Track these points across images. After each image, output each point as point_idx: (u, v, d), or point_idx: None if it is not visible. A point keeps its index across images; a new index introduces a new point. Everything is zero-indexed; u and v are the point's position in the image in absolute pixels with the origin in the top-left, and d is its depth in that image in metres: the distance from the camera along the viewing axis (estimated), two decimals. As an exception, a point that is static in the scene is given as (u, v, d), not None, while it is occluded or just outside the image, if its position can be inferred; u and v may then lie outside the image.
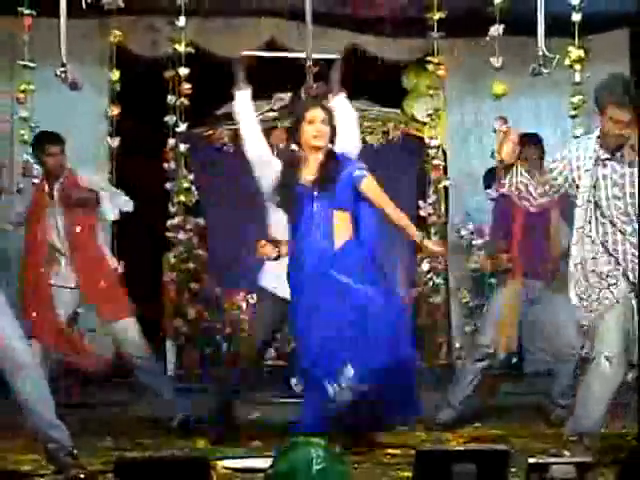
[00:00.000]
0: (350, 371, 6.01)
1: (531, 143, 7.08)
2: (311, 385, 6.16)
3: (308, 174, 6.16)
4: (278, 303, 6.52)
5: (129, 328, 7.00)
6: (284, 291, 6.32)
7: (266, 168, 6.42)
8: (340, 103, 6.61)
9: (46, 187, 7.11)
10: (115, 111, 8.59)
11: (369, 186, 6.18)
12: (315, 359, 6.07)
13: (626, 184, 5.95)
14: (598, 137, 5.95)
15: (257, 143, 6.55)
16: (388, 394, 6.14)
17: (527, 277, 7.19)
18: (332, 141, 6.22)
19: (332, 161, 6.17)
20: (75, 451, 5.54)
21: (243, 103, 6.63)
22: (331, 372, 6.00)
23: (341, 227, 6.17)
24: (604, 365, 5.86)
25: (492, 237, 7.54)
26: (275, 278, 6.47)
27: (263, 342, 6.81)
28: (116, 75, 8.57)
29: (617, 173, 5.94)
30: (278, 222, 6.38)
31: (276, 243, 6.39)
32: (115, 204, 7.06)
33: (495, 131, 8.13)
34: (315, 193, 6.13)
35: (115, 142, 8.61)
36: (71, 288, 7.04)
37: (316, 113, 6.17)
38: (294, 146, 6.30)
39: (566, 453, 5.64)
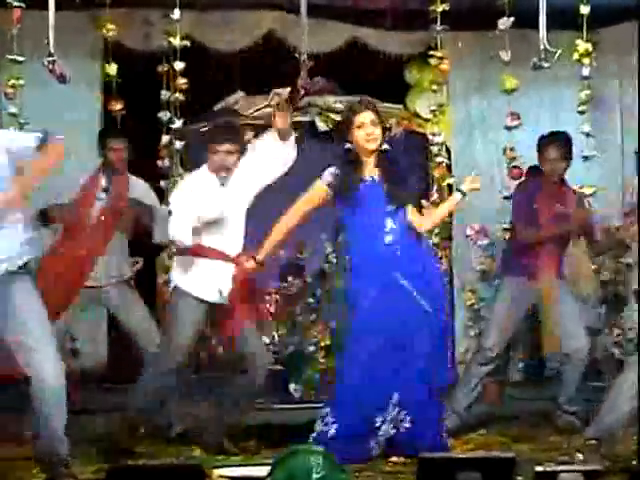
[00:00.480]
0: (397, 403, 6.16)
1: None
2: (353, 416, 6.13)
3: (370, 173, 6.26)
4: (196, 304, 6.53)
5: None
6: (202, 292, 6.46)
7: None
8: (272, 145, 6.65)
9: (103, 181, 7.11)
10: (117, 106, 8.47)
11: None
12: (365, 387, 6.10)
13: None
14: None
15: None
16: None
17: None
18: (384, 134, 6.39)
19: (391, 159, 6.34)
20: (69, 460, 5.56)
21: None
22: (381, 405, 6.13)
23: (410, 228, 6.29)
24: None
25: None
26: (192, 278, 6.53)
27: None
28: (113, 69, 8.45)
29: None
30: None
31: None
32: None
33: (507, 127, 8.12)
34: (386, 190, 6.23)
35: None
36: None
37: (365, 117, 6.25)
38: (348, 145, 6.31)
39: (579, 457, 5.65)
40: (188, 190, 6.60)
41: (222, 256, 6.49)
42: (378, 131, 6.28)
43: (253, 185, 6.58)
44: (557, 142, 7.19)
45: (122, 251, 7.36)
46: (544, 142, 7.24)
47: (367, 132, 6.23)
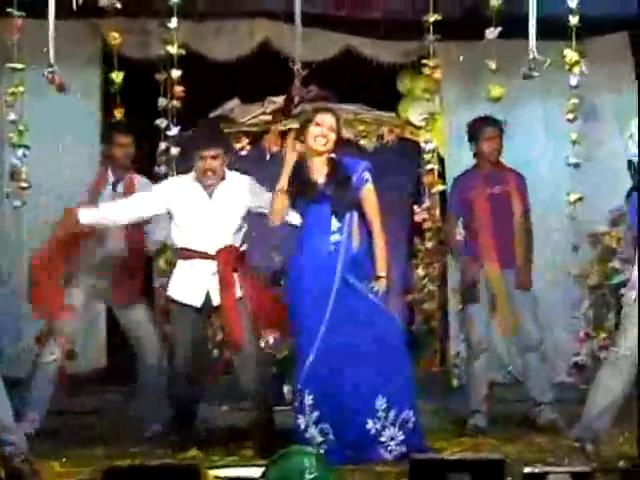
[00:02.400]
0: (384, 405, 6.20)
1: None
2: (341, 422, 6.18)
3: (318, 176, 6.32)
4: (190, 310, 6.60)
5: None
6: (190, 298, 6.56)
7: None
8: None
9: (111, 177, 7.15)
10: (118, 114, 8.47)
11: (368, 194, 6.37)
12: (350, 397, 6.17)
13: None
14: None
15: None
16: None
17: (502, 267, 7.19)
18: (334, 151, 6.33)
19: (340, 165, 6.34)
20: (29, 457, 5.58)
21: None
22: (369, 409, 6.16)
23: (356, 230, 6.35)
24: (622, 363, 5.97)
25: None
26: (182, 285, 6.63)
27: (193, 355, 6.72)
28: (119, 77, 8.43)
29: None
30: None
31: None
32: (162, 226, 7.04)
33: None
34: (328, 194, 6.27)
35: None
36: None
37: (325, 117, 6.31)
38: (299, 146, 6.34)
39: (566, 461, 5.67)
40: (174, 193, 6.67)
41: (206, 256, 6.53)
42: (333, 136, 6.30)
43: (240, 205, 6.64)
44: (490, 123, 7.30)
45: None
46: (478, 125, 7.34)
47: (322, 132, 6.27)
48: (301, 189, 6.31)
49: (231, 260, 6.57)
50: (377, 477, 5.80)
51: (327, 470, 4.47)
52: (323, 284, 6.24)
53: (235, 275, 6.58)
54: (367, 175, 6.39)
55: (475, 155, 7.38)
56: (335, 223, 6.29)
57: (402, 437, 6.17)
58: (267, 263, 8.77)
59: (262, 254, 8.59)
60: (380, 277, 6.38)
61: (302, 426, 6.17)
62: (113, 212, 6.70)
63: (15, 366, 7.89)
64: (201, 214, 6.58)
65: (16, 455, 5.51)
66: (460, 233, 7.86)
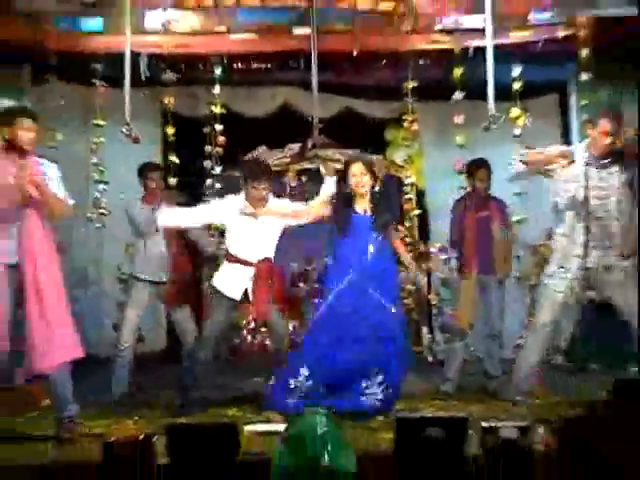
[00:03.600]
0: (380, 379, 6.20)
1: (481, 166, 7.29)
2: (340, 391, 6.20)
3: (361, 208, 6.30)
4: (226, 300, 6.54)
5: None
6: (231, 292, 6.48)
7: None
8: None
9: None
10: (173, 157, 8.60)
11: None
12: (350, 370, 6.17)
13: (610, 186, 6.14)
14: (587, 148, 6.09)
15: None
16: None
17: (480, 273, 7.19)
18: (375, 181, 6.36)
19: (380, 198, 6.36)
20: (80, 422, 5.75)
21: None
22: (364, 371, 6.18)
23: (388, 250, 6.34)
24: (540, 330, 6.22)
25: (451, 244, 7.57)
26: (229, 282, 6.54)
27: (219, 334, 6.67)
28: (171, 130, 8.59)
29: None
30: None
31: None
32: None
33: (460, 172, 8.20)
34: (372, 221, 6.26)
35: (172, 181, 8.60)
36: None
37: (356, 168, 6.29)
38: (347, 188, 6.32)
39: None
40: (230, 209, 6.60)
41: (248, 263, 6.50)
42: (366, 178, 6.27)
43: (280, 225, 6.62)
44: (483, 166, 7.30)
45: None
46: (474, 166, 7.33)
47: (357, 180, 6.27)
48: (345, 219, 6.30)
49: (267, 268, 6.56)
50: (371, 431, 5.78)
51: (334, 426, 4.38)
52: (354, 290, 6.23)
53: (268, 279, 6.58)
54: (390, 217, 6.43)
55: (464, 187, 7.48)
56: (371, 247, 6.24)
57: (380, 397, 6.20)
58: (288, 269, 8.83)
59: (286, 263, 8.64)
60: (410, 265, 6.53)
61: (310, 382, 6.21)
62: (185, 217, 6.63)
63: (97, 348, 7.94)
64: (248, 230, 6.53)
65: (72, 421, 5.67)
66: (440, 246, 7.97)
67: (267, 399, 6.33)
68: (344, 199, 6.34)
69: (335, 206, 6.38)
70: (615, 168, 6.26)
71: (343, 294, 6.20)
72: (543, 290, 6.48)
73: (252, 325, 8.13)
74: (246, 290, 6.52)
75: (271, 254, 6.58)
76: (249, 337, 7.93)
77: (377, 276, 6.22)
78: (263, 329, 8.44)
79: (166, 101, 8.55)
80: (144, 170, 7.10)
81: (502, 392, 6.81)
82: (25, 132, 5.67)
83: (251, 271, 6.51)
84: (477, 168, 7.32)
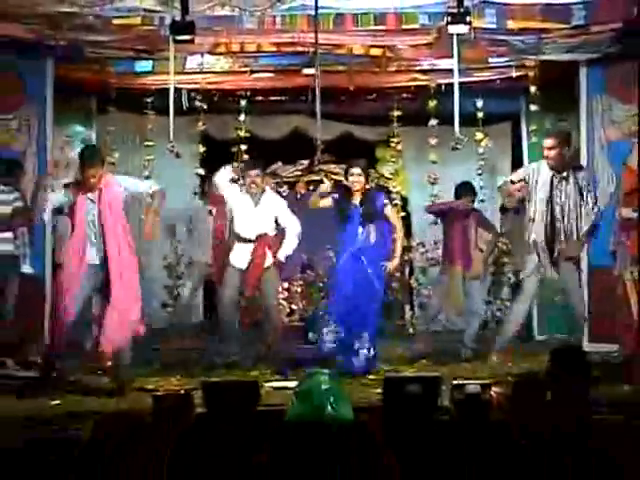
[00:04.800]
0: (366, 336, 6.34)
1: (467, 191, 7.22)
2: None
3: (356, 202, 6.45)
4: (239, 273, 6.57)
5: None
6: (238, 263, 6.56)
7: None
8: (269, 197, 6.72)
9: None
10: (201, 171, 8.57)
11: (390, 211, 6.59)
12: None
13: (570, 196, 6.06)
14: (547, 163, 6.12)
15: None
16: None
17: (462, 268, 7.18)
18: (367, 182, 6.59)
19: (370, 194, 6.51)
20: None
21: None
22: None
23: (374, 234, 6.45)
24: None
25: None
26: (239, 257, 6.58)
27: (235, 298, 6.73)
28: (201, 149, 8.58)
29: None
30: None
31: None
32: None
33: (431, 182, 8.20)
34: (361, 211, 6.42)
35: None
36: None
37: (355, 170, 6.47)
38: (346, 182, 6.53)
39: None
40: (237, 199, 6.68)
41: (250, 240, 6.56)
42: (362, 178, 6.46)
43: (273, 212, 6.67)
44: (468, 189, 7.27)
45: None
46: (462, 189, 7.29)
47: (354, 180, 6.42)
48: (345, 206, 6.45)
49: (264, 243, 6.57)
50: (363, 386, 5.81)
51: (336, 383, 4.20)
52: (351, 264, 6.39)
53: (268, 251, 6.58)
54: (386, 200, 6.60)
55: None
56: (361, 229, 6.40)
57: (363, 358, 6.32)
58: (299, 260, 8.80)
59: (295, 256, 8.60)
60: (395, 257, 6.53)
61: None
62: None
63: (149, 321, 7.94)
64: (249, 215, 6.60)
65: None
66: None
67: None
68: (344, 194, 6.49)
69: (337, 199, 6.49)
70: (570, 178, 6.25)
71: (344, 266, 6.41)
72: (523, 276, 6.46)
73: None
74: (250, 262, 6.55)
75: (268, 231, 6.61)
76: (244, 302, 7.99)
77: (367, 253, 6.38)
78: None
79: (201, 125, 8.53)
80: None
81: (470, 359, 6.86)
82: (92, 178, 5.71)
83: (252, 246, 6.55)
84: (464, 190, 7.26)
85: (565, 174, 6.25)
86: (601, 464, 2.98)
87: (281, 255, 6.68)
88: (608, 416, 4.09)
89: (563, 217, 6.24)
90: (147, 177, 8.01)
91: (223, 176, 6.76)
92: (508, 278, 8.47)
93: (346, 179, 6.52)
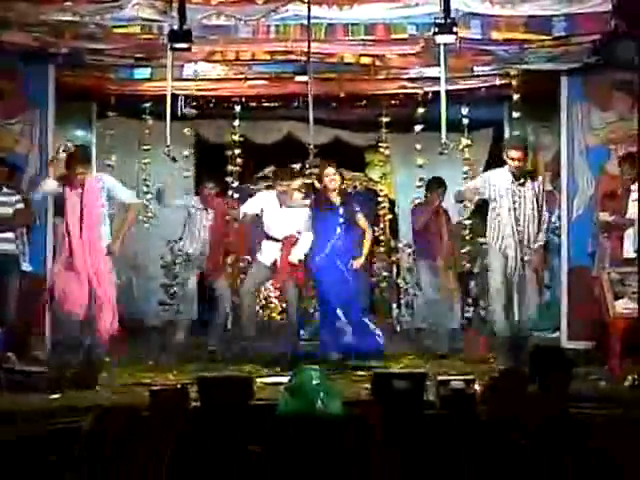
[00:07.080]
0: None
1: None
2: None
3: (334, 200, 6.68)
4: (263, 267, 6.82)
5: None
6: (264, 259, 6.80)
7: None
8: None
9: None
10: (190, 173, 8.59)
11: (361, 217, 6.81)
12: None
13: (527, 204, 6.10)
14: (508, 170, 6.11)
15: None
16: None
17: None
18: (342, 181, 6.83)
19: (346, 195, 6.79)
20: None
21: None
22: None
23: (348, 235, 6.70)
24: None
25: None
26: (264, 253, 6.82)
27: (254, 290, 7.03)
28: (190, 152, 8.63)
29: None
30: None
31: None
32: None
33: (419, 185, 8.20)
34: (340, 210, 6.64)
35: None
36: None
37: (328, 171, 6.71)
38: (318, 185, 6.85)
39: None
40: (265, 202, 6.93)
41: (277, 240, 6.75)
42: (337, 177, 6.69)
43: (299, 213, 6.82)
44: (440, 184, 7.31)
45: None
46: (433, 184, 7.34)
47: (330, 179, 6.65)
48: (324, 204, 6.64)
49: (289, 243, 6.74)
50: (353, 382, 5.78)
51: (326, 378, 4.26)
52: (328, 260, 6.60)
53: (292, 250, 6.73)
54: (357, 208, 6.79)
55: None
56: (338, 228, 6.62)
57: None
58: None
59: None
60: (359, 258, 6.69)
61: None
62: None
63: (146, 318, 7.94)
64: (277, 216, 6.79)
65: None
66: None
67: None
68: (321, 194, 6.72)
69: (316, 197, 6.71)
70: (527, 184, 6.28)
71: (323, 260, 6.61)
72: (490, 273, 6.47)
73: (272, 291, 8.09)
74: (275, 261, 6.74)
75: (294, 232, 6.77)
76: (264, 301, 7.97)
77: (341, 249, 6.61)
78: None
79: (193, 130, 8.55)
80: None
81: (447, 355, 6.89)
82: (81, 175, 5.92)
83: (279, 245, 6.73)
84: (434, 186, 7.28)
85: (523, 181, 6.29)
86: (583, 454, 3.00)
87: (295, 256, 6.77)
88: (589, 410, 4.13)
89: (524, 221, 6.27)
90: (144, 179, 7.99)
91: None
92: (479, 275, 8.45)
93: (320, 181, 6.70)
